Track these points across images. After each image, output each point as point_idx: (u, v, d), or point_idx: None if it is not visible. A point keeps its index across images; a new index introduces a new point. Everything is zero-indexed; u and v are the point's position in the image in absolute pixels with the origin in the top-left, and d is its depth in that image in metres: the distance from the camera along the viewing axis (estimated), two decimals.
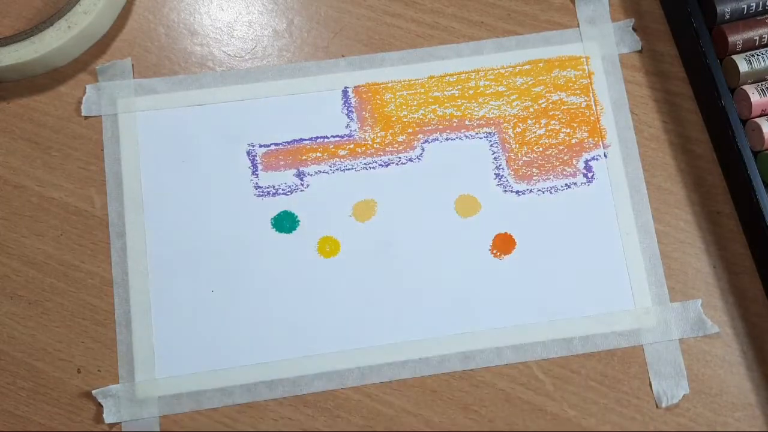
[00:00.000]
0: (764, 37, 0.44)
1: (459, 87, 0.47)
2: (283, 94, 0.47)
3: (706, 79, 0.44)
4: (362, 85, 0.47)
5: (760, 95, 0.43)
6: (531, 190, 0.45)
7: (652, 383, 0.42)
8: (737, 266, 0.44)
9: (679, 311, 0.43)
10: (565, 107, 0.46)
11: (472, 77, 0.47)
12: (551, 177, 0.45)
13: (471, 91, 0.47)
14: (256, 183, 0.45)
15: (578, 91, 0.47)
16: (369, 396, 0.42)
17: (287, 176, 0.45)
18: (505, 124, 0.46)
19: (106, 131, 0.46)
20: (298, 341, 0.43)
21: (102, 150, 0.45)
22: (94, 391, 0.42)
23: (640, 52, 0.47)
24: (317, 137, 0.46)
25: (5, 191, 0.45)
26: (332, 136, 0.46)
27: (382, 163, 0.45)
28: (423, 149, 0.46)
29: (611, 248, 0.44)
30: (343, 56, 0.47)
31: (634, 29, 0.48)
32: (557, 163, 0.46)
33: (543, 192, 0.45)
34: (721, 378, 0.42)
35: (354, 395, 0.42)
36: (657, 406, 0.42)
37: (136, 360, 0.42)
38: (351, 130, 0.46)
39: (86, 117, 0.46)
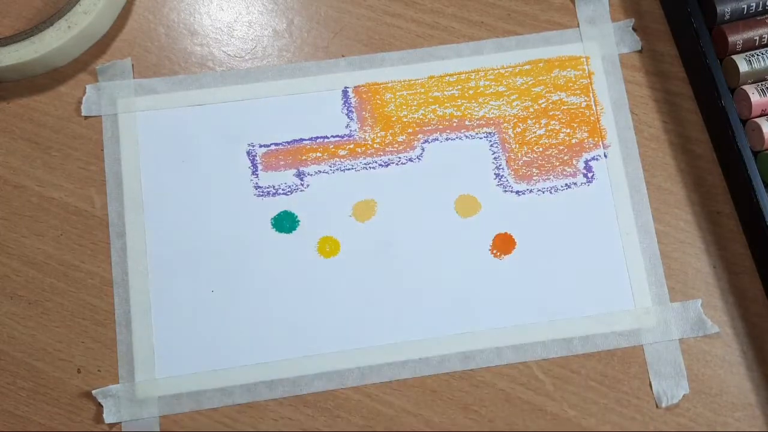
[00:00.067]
0: (764, 37, 0.44)
1: (459, 87, 0.47)
2: (283, 94, 0.47)
3: (706, 79, 0.44)
4: (362, 85, 0.47)
5: (760, 95, 0.43)
6: (531, 190, 0.45)
7: (652, 383, 0.42)
8: (737, 266, 0.44)
9: (679, 311, 0.43)
10: (565, 107, 0.46)
11: (472, 77, 0.47)
12: (551, 177, 0.45)
13: (471, 91, 0.47)
14: (256, 183, 0.45)
15: (578, 91, 0.47)
16: (369, 396, 0.42)
17: (287, 176, 0.45)
18: (505, 124, 0.46)
19: (106, 131, 0.46)
20: (298, 341, 0.43)
21: (102, 150, 0.45)
22: (94, 391, 0.42)
23: (640, 52, 0.47)
24: (317, 137, 0.46)
25: (5, 191, 0.45)
26: (332, 136, 0.46)
27: (382, 163, 0.45)
28: (423, 149, 0.46)
29: (611, 248, 0.44)
30: (343, 56, 0.47)
31: (634, 29, 0.48)
32: (557, 163, 0.46)
33: (543, 192, 0.45)
34: (721, 378, 0.42)
35: (354, 395, 0.42)
36: (657, 406, 0.42)
37: (136, 360, 0.42)
38: (351, 130, 0.46)
39: (86, 117, 0.46)
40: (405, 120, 0.46)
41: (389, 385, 0.42)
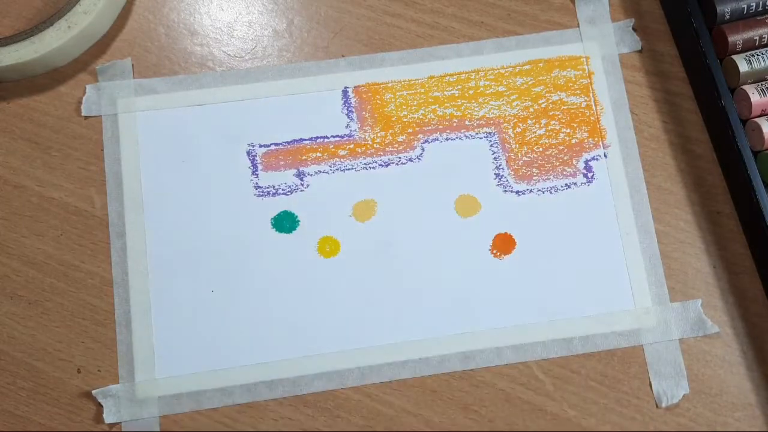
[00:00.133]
0: (764, 37, 0.44)
1: (459, 87, 0.47)
2: (283, 94, 0.47)
3: (706, 79, 0.44)
4: (362, 85, 0.47)
5: (760, 95, 0.43)
6: (531, 190, 0.45)
7: (652, 383, 0.42)
8: (737, 266, 0.44)
9: (679, 311, 0.43)
10: (565, 107, 0.46)
11: (472, 77, 0.47)
12: (551, 177, 0.45)
13: (471, 91, 0.47)
14: (256, 183, 0.45)
15: (578, 91, 0.47)
16: (369, 396, 0.42)
17: (287, 176, 0.45)
18: (505, 124, 0.46)
19: (106, 131, 0.46)
20: (298, 341, 0.43)
21: (102, 150, 0.45)
22: (94, 391, 0.42)
23: (640, 52, 0.47)
24: (317, 137, 0.46)
25: (5, 191, 0.45)
26: (332, 136, 0.46)
27: (382, 163, 0.45)
28: (423, 149, 0.46)
29: (611, 248, 0.44)
30: (343, 56, 0.47)
31: (634, 29, 0.48)
32: (557, 163, 0.46)
33: (543, 192, 0.45)
34: (721, 378, 0.42)
35: (354, 395, 0.42)
36: (657, 406, 0.42)
37: (136, 360, 0.42)
38: (351, 130, 0.46)
39: (86, 117, 0.46)
40: (405, 120, 0.46)
41: (389, 385, 0.42)
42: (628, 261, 0.44)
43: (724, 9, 0.44)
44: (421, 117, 0.46)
